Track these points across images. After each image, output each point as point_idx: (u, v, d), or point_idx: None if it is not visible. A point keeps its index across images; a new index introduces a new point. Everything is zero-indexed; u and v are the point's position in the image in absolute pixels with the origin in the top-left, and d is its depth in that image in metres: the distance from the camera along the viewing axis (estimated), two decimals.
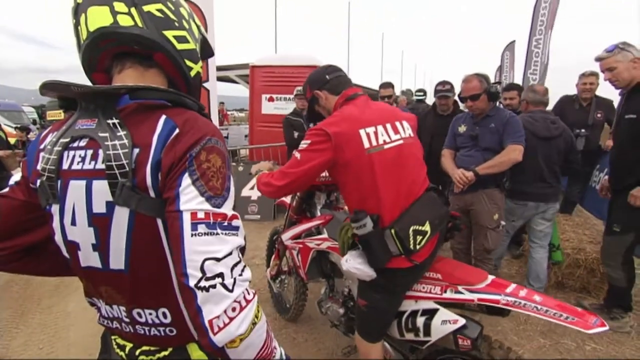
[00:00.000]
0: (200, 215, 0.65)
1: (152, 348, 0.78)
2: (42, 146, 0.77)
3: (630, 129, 2.28)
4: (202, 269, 0.62)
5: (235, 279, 0.65)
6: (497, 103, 2.63)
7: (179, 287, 0.67)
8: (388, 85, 4.24)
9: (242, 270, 0.68)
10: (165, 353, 0.78)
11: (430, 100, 4.88)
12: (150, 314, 0.75)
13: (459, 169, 2.47)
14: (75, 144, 0.72)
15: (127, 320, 0.77)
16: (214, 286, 0.62)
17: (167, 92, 0.75)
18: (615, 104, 3.00)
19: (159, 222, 0.69)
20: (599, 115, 3.63)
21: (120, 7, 0.73)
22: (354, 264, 1.43)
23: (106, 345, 0.86)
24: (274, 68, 6.16)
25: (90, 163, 0.70)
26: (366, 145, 1.39)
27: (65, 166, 0.72)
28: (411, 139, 1.55)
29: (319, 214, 2.14)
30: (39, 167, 0.74)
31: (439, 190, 1.64)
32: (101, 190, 0.68)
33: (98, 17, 0.72)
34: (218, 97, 3.53)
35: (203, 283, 0.62)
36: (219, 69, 8.53)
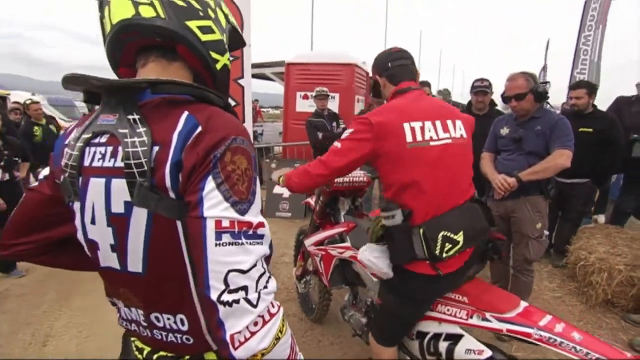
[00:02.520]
0: (225, 223, 0.61)
1: (169, 354, 0.77)
2: (67, 141, 0.75)
3: None
4: (225, 281, 0.59)
5: (259, 292, 0.61)
6: (545, 104, 2.44)
7: (198, 298, 0.64)
8: (423, 84, 4.09)
9: (267, 282, 0.64)
10: None
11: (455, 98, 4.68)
12: (169, 319, 0.73)
13: (500, 174, 2.32)
14: (97, 140, 0.70)
15: (144, 324, 0.75)
16: (237, 301, 0.59)
17: (190, 86, 0.71)
18: None
19: (179, 224, 0.66)
20: None
21: None
22: (368, 256, 1.38)
23: (126, 347, 0.85)
24: (309, 66, 6.12)
25: (109, 160, 0.67)
26: (409, 139, 1.32)
27: (86, 163, 0.70)
28: (462, 139, 1.45)
29: (342, 220, 2.09)
30: (62, 162, 0.73)
31: (484, 204, 1.52)
32: (120, 189, 0.66)
33: (120, 9, 0.70)
34: (252, 94, 3.57)
35: (226, 297, 0.59)
36: (254, 66, 8.68)
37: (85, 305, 2.98)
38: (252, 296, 0.61)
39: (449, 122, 1.42)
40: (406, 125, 1.33)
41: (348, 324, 2.12)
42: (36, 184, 0.84)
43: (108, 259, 0.73)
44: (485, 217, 1.46)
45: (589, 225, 3.51)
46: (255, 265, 0.62)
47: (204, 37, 0.75)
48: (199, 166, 0.63)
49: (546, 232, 2.39)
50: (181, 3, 0.72)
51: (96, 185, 0.69)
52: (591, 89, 3.18)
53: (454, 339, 1.37)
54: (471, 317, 1.36)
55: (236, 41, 0.94)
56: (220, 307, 0.59)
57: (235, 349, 0.59)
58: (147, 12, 0.70)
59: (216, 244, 0.60)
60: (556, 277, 3.28)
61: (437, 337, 1.41)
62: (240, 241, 0.62)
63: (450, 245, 1.31)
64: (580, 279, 2.92)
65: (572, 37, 6.70)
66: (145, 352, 0.79)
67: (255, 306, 0.60)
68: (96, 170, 0.69)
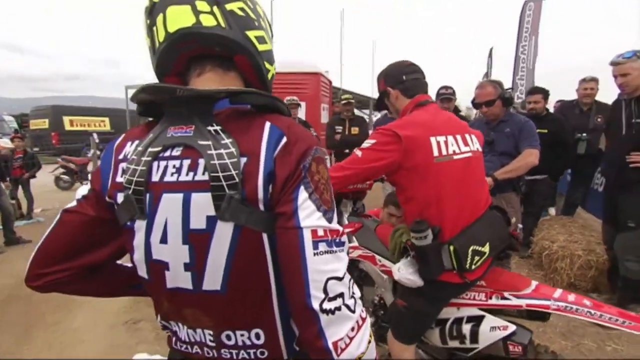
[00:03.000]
0: (320, 232, 0.61)
1: None
2: (121, 156, 0.70)
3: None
4: (325, 290, 0.60)
5: (354, 298, 0.63)
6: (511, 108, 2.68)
7: (295, 307, 0.63)
8: None
9: (354, 287, 0.65)
10: None
11: None
12: (242, 335, 0.70)
13: None
14: (167, 153, 0.66)
15: (212, 344, 0.71)
16: (338, 308, 0.60)
17: (266, 97, 0.70)
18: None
19: (265, 236, 0.64)
20: (599, 119, 3.73)
21: (202, 5, 0.67)
22: (406, 274, 1.40)
23: None
24: (275, 75, 6.03)
25: (187, 174, 0.64)
26: (435, 153, 1.35)
27: (155, 178, 0.65)
28: (479, 153, 1.53)
29: (346, 222, 2.12)
30: (120, 179, 0.68)
31: (503, 209, 1.61)
32: (202, 203, 0.62)
33: (179, 17, 0.66)
34: None
35: (327, 305, 0.59)
36: None
37: (51, 341, 2.69)
38: (350, 302, 0.62)
39: (467, 136, 1.50)
40: (433, 140, 1.36)
41: None
42: (74, 204, 0.77)
43: (179, 279, 0.68)
44: (504, 222, 1.56)
45: (546, 218, 3.87)
46: (346, 272, 0.64)
47: (260, 47, 0.74)
48: (291, 176, 0.63)
49: (520, 226, 2.60)
50: (240, 13, 0.71)
51: (171, 201, 0.64)
52: (546, 94, 3.58)
53: (476, 320, 1.45)
54: (490, 298, 1.45)
55: None
56: (322, 316, 0.59)
57: (339, 355, 0.59)
58: (208, 21, 0.67)
59: (314, 253, 0.60)
60: (524, 267, 3.56)
61: (458, 321, 1.48)
62: (333, 249, 0.62)
63: (478, 258, 1.37)
64: (547, 267, 3.20)
65: (513, 44, 7.40)
66: None
67: (353, 311, 0.62)
68: (170, 185, 0.65)
